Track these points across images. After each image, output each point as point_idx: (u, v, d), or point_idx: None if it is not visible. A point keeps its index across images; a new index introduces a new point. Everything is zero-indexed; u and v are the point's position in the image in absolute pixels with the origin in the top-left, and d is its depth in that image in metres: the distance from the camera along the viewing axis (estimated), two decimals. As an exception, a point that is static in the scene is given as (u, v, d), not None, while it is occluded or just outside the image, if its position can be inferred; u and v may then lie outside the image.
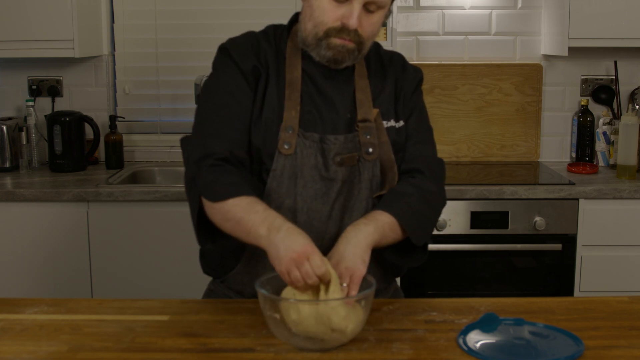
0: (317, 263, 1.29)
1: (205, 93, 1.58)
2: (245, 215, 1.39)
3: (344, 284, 1.34)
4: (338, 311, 1.28)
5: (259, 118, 1.53)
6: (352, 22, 1.45)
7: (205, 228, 1.50)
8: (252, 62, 1.55)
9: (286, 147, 1.51)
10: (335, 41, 1.48)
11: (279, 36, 1.61)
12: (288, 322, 1.30)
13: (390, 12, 1.56)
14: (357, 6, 1.45)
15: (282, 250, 1.31)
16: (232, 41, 1.60)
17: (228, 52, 1.57)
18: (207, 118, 1.54)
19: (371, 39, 1.53)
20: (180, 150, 1.59)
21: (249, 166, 1.54)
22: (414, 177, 1.58)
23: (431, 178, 1.58)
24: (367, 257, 1.40)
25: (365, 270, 1.37)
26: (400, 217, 1.48)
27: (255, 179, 1.54)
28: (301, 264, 1.29)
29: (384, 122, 1.58)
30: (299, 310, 1.28)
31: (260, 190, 1.52)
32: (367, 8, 1.47)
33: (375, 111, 1.57)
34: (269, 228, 1.35)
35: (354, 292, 1.34)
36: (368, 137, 1.55)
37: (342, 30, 1.47)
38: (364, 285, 1.36)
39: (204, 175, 1.46)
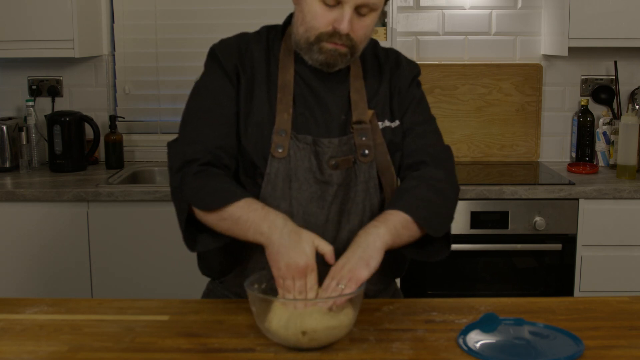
0: (312, 283, 1.34)
1: (192, 95, 1.58)
2: (244, 214, 1.38)
3: (341, 285, 1.33)
4: (310, 318, 1.29)
5: (247, 122, 1.52)
6: (344, 27, 1.43)
7: (194, 232, 1.49)
8: (234, 62, 1.54)
9: (279, 150, 1.49)
10: (327, 46, 1.47)
11: (273, 38, 1.59)
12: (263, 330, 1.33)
13: (384, 13, 1.54)
14: (348, 10, 1.43)
15: (285, 258, 1.32)
16: (220, 42, 1.59)
17: (214, 52, 1.57)
18: (190, 122, 1.54)
19: (364, 42, 1.51)
20: None
21: (237, 170, 1.54)
22: (418, 169, 1.55)
23: (436, 166, 1.54)
24: (373, 261, 1.36)
25: (368, 275, 1.34)
26: (411, 211, 1.43)
27: (248, 182, 1.54)
28: (299, 279, 1.33)
29: (379, 123, 1.56)
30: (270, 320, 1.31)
31: (252, 193, 1.51)
32: (358, 11, 1.45)
33: (370, 112, 1.55)
34: (269, 226, 1.35)
35: (347, 292, 1.33)
36: (363, 138, 1.53)
37: (333, 34, 1.45)
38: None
39: (189, 183, 1.45)
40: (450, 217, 1.52)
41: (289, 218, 1.38)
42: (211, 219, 1.43)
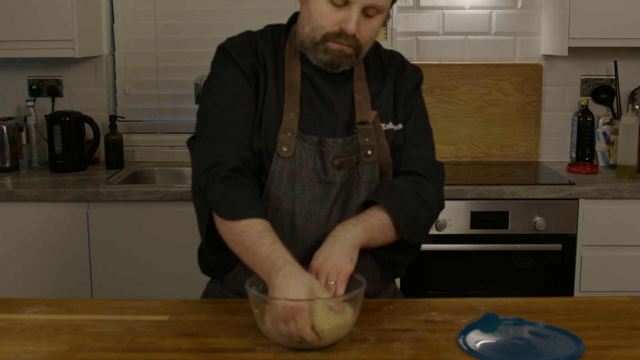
0: (300, 325, 1.25)
1: (207, 94, 1.56)
2: (252, 245, 1.35)
3: (331, 282, 1.34)
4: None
5: (258, 120, 1.52)
6: (351, 27, 1.43)
7: (213, 238, 1.47)
8: (251, 61, 1.54)
9: (285, 149, 1.49)
10: (333, 46, 1.47)
11: (277, 37, 1.59)
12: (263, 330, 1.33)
13: (389, 16, 1.54)
14: (356, 11, 1.43)
15: (276, 303, 1.26)
16: (230, 41, 1.58)
17: (227, 51, 1.55)
18: (211, 120, 1.51)
19: (369, 43, 1.51)
20: (181, 150, 1.57)
21: (255, 167, 1.53)
22: (413, 177, 1.57)
23: (430, 180, 1.56)
24: (354, 255, 1.39)
25: (352, 268, 1.37)
26: (393, 212, 1.45)
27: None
28: (288, 321, 1.26)
29: (383, 125, 1.57)
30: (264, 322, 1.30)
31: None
32: (366, 12, 1.45)
33: (374, 113, 1.55)
34: (270, 267, 1.31)
35: (341, 290, 1.34)
36: (367, 139, 1.54)
37: (340, 34, 1.45)
38: (354, 285, 1.36)
39: (215, 188, 1.42)
40: (427, 230, 1.56)
41: (292, 258, 1.33)
42: (226, 236, 1.41)
